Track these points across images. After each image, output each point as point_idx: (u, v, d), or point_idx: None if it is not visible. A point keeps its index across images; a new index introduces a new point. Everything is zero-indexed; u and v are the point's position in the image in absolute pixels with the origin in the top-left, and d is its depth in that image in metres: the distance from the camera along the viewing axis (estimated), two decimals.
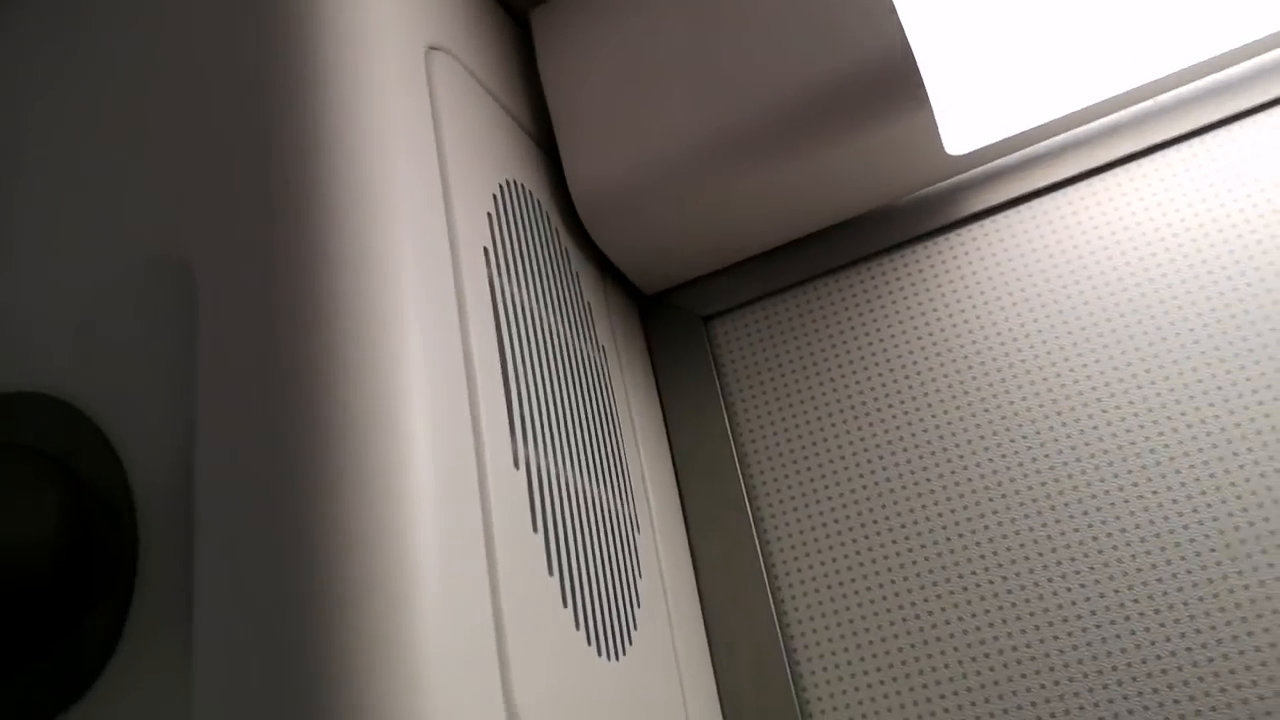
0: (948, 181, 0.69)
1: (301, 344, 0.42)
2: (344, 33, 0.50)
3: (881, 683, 0.60)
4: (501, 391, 0.49)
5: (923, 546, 0.62)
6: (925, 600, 0.60)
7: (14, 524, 0.45)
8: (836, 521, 0.64)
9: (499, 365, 0.50)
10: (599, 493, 0.56)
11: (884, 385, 0.66)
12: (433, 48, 0.58)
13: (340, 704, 0.36)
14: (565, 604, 0.48)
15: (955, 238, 0.68)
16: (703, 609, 0.64)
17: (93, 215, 0.51)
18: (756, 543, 0.65)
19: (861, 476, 0.65)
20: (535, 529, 0.47)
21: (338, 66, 0.49)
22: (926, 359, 0.66)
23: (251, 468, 0.40)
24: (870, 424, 0.66)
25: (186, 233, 0.47)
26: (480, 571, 0.42)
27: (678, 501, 0.67)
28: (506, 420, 0.49)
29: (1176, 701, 0.53)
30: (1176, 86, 0.66)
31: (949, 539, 0.61)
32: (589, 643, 0.48)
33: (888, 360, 0.67)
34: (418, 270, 0.47)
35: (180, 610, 0.42)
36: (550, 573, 0.47)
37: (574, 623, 0.48)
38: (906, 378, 0.66)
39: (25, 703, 0.45)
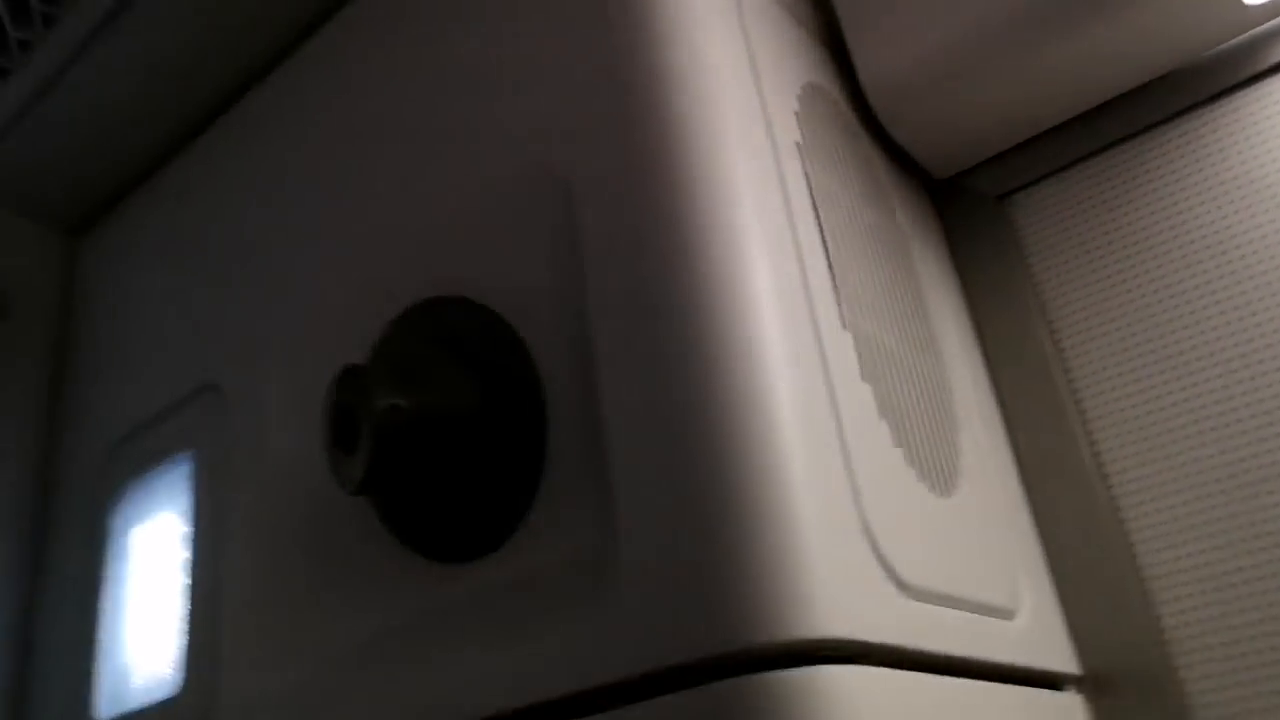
0: (1246, 35, 0.68)
1: (669, 230, 0.50)
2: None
3: (1211, 535, 0.63)
4: (824, 265, 0.56)
5: (1236, 408, 0.63)
6: (1247, 444, 0.62)
7: (444, 402, 0.57)
8: (1150, 376, 0.67)
9: (820, 243, 0.57)
10: (911, 355, 0.62)
11: (1191, 245, 0.67)
12: None
13: (734, 528, 0.44)
14: (896, 445, 0.54)
15: (1258, 90, 0.67)
16: (1019, 466, 0.69)
17: (482, 136, 0.61)
18: (1069, 402, 0.69)
19: (1173, 333, 0.67)
20: (864, 380, 0.54)
21: (668, 6, 0.57)
22: (1238, 214, 0.66)
23: (642, 345, 0.49)
24: (1179, 284, 0.67)
25: (561, 147, 0.57)
26: (827, 414, 0.49)
27: (985, 371, 0.72)
28: (831, 289, 0.55)
29: None
30: None
31: (1262, 400, 0.62)
32: (920, 479, 0.55)
33: (1196, 220, 0.68)
34: (750, 164, 0.54)
35: (586, 466, 0.51)
36: (880, 418, 0.54)
37: (905, 460, 0.54)
38: (1215, 233, 0.67)
39: (455, 545, 0.56)
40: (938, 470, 0.58)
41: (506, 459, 0.56)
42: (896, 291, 0.64)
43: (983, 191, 0.77)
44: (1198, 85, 0.69)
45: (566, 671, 0.47)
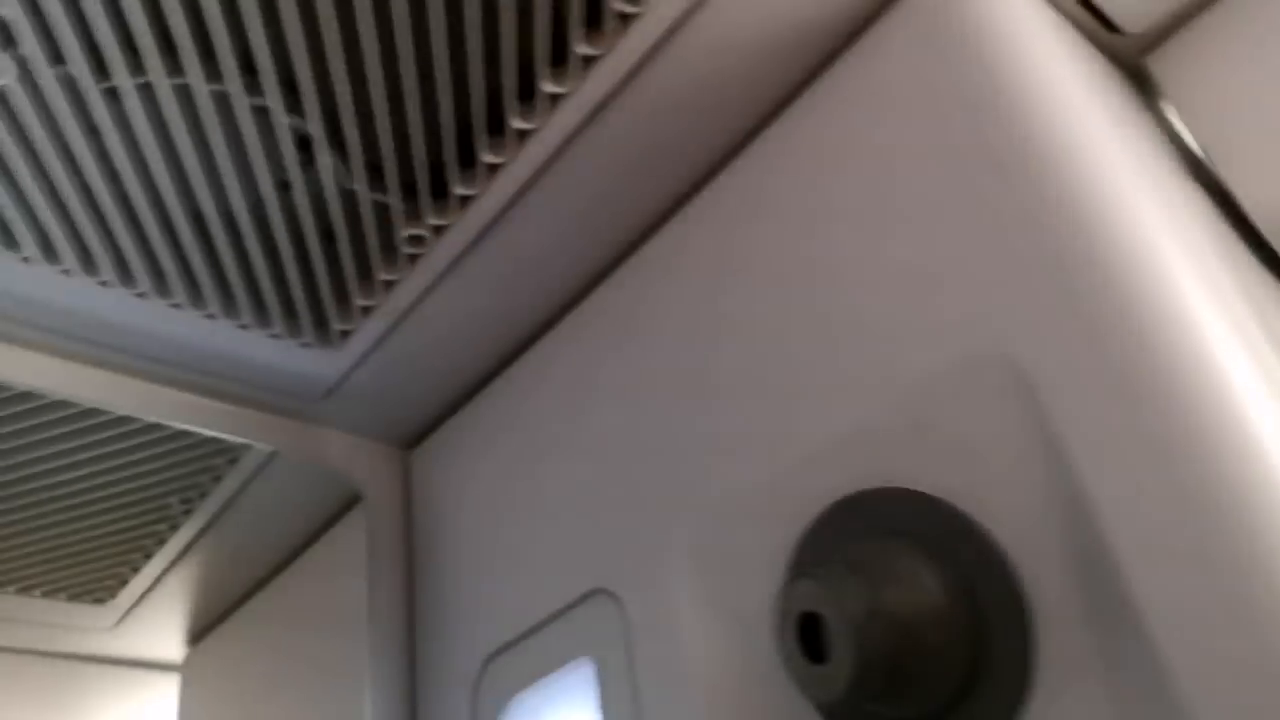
0: None
1: (1158, 407, 0.48)
2: (1096, 146, 0.58)
3: None
4: None
5: None
6: None
7: (908, 602, 0.55)
8: None
9: None
10: None
11: None
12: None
13: None
14: None
15: None
16: None
17: (917, 315, 0.60)
18: None
19: None
20: None
21: (1096, 165, 0.56)
22: None
23: (1178, 551, 0.46)
24: None
25: (1002, 328, 0.56)
26: None
27: None
28: None
29: None
30: None
31: None
32: None
33: None
34: (1214, 319, 0.52)
35: (1085, 664, 0.48)
36: None
37: None
38: None
39: None
40: None
41: (981, 655, 0.54)
42: None
43: None
44: None
45: None
